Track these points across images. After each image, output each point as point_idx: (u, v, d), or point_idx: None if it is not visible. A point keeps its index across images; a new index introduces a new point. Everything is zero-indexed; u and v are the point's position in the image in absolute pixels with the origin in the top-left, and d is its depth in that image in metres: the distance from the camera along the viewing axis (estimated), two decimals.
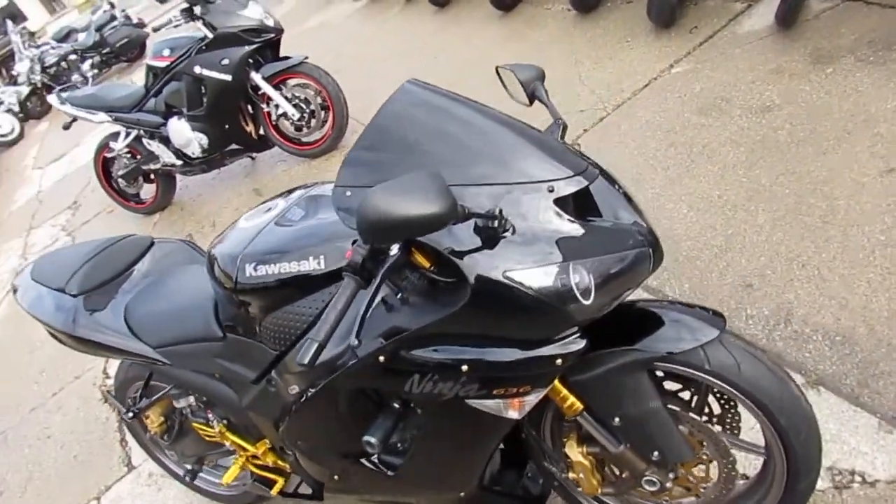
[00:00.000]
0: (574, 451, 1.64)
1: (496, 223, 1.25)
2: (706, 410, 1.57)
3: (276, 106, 4.66)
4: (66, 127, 5.44)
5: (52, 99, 5.16)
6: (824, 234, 2.42)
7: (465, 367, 1.39)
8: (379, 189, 1.09)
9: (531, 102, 1.67)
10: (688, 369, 1.46)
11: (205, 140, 4.74)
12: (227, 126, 4.76)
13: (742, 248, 2.53)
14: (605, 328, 1.40)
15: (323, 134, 4.82)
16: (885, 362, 1.97)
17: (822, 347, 2.09)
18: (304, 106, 4.67)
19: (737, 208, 2.70)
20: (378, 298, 1.40)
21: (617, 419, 1.52)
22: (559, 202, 1.32)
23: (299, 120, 4.70)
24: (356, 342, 1.18)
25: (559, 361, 1.37)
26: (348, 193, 1.38)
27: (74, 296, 2.12)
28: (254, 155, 5.20)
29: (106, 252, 2.25)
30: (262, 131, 4.89)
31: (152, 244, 2.33)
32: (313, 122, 4.75)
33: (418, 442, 1.62)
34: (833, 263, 2.31)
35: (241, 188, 5.12)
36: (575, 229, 1.32)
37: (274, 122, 4.80)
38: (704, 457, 1.58)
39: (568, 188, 1.32)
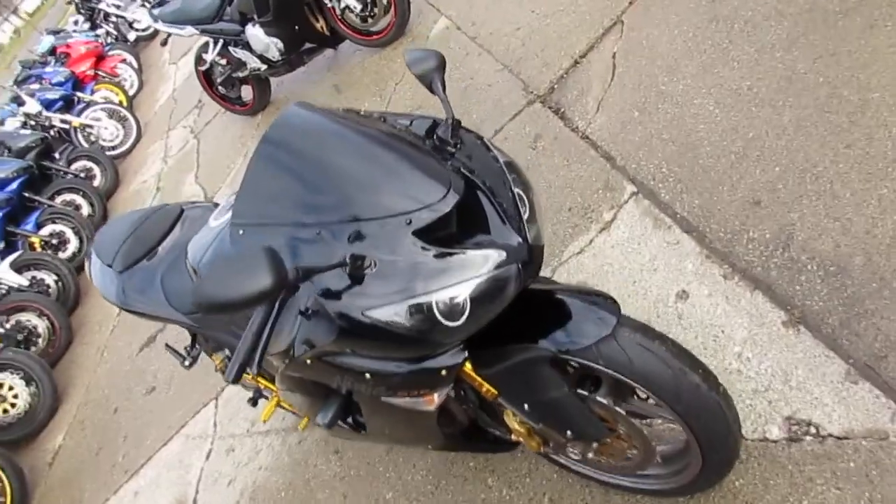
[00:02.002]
0: (510, 420, 1.77)
1: (358, 263, 1.34)
2: (612, 392, 1.62)
3: (339, 0, 4.65)
4: (164, 43, 5.80)
5: (145, 18, 5.48)
6: (848, 137, 2.15)
7: (367, 375, 1.54)
8: (209, 275, 1.21)
9: (431, 91, 1.64)
10: (585, 362, 1.51)
11: (280, 43, 4.88)
12: (296, 27, 4.84)
13: (759, 156, 2.32)
14: (510, 320, 1.48)
15: (388, 22, 4.77)
16: (872, 300, 1.84)
17: (815, 279, 1.96)
18: None
19: (763, 104, 2.44)
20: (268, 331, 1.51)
21: (526, 405, 1.62)
22: (431, 226, 1.37)
23: (363, 10, 4.66)
24: (255, 370, 1.37)
25: (443, 372, 1.49)
26: (241, 232, 1.52)
27: (120, 272, 2.47)
28: (333, 49, 5.27)
29: (143, 226, 2.56)
30: (331, 26, 4.92)
31: (182, 212, 2.60)
32: (376, 10, 4.70)
33: (367, 418, 1.84)
34: (848, 176, 2.08)
35: (325, 84, 5.26)
36: (435, 259, 1.37)
37: (340, 16, 4.80)
38: (621, 432, 1.65)
39: (426, 218, 1.36)
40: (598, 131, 2.93)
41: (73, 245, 6.39)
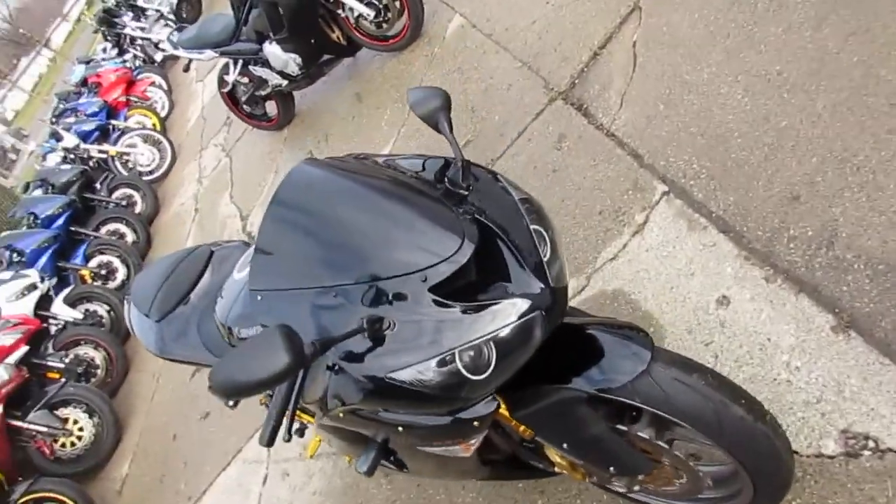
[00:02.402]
0: (552, 453, 1.73)
1: (376, 326, 1.32)
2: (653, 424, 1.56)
3: (351, 9, 4.60)
4: (186, 69, 5.85)
5: (166, 45, 5.54)
6: (889, 121, 2.03)
7: (400, 429, 1.52)
8: (224, 361, 1.20)
9: (438, 131, 1.60)
10: (621, 399, 1.46)
11: (298, 58, 4.87)
12: (313, 40, 4.82)
13: (794, 147, 2.21)
14: (543, 359, 1.44)
15: (403, 25, 4.71)
16: None
17: (862, 279, 1.86)
18: (376, 2, 4.55)
19: (795, 90, 2.31)
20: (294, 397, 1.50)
21: (565, 444, 1.57)
22: (450, 278, 1.33)
23: (376, 17, 4.61)
24: (287, 436, 1.37)
25: (476, 423, 1.46)
26: (259, 298, 1.51)
27: (157, 321, 2.49)
28: (352, 57, 5.25)
29: (176, 272, 2.58)
30: (347, 36, 4.88)
31: (211, 254, 2.61)
32: (389, 15, 4.64)
33: (407, 461, 1.82)
34: (891, 165, 1.96)
35: (346, 93, 5.24)
36: (455, 315, 1.33)
37: (355, 25, 4.76)
38: (666, 462, 1.60)
39: (443, 273, 1.33)
40: (624, 127, 2.83)
41: (121, 274, 6.56)
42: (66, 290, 5.89)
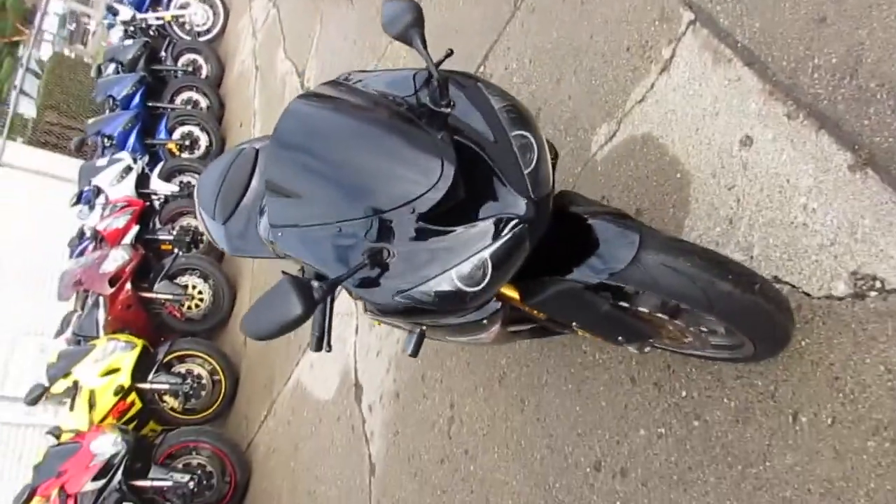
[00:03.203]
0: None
1: (377, 257, 1.48)
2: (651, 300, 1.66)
3: None
4: None
5: None
6: None
7: (423, 327, 1.72)
8: (249, 315, 1.41)
9: (410, 44, 1.60)
10: (617, 284, 1.57)
11: None
12: None
13: None
14: (547, 249, 1.57)
15: None
16: None
17: (885, 110, 1.78)
18: None
19: None
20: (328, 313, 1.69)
21: (575, 323, 1.73)
22: (433, 206, 1.45)
23: None
24: (327, 348, 1.63)
25: (485, 321, 1.63)
26: (280, 234, 1.68)
27: (223, 224, 2.72)
28: None
29: (229, 175, 2.76)
30: None
31: (257, 153, 2.76)
32: None
33: (446, 342, 2.04)
34: None
35: None
36: (445, 240, 1.46)
37: None
38: (671, 328, 1.72)
39: (429, 201, 1.44)
40: None
41: (203, 141, 6.91)
42: (159, 166, 6.33)
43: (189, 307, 5.59)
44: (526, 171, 1.49)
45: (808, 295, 1.81)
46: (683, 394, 2.06)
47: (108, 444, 4.41)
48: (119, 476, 4.34)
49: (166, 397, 5.10)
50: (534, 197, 1.45)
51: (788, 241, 1.90)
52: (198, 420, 5.26)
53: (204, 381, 5.17)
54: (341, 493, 3.68)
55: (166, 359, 5.07)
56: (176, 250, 5.79)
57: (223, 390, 5.23)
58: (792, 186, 1.93)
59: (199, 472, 4.64)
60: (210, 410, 5.25)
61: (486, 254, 1.43)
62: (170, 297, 5.45)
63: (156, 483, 4.46)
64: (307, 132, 1.61)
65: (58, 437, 4.66)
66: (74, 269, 5.47)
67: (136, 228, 5.77)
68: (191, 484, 4.56)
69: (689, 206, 2.20)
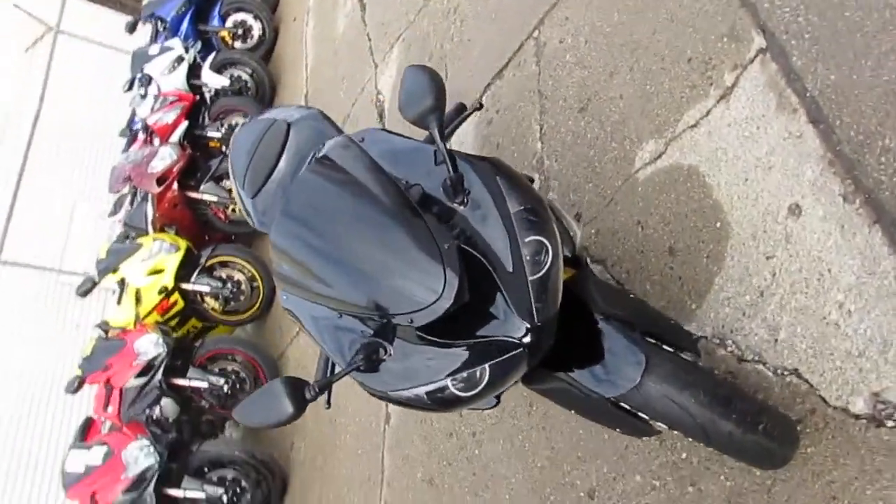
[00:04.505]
0: None
1: (373, 356, 1.48)
2: None
3: None
4: None
5: None
6: None
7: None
8: (242, 408, 1.46)
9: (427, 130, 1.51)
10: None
11: None
12: None
13: None
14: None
15: None
16: None
17: None
18: None
19: None
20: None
21: (573, 411, 1.72)
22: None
23: None
24: (327, 406, 1.68)
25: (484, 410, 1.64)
26: (285, 297, 1.69)
27: (252, 198, 2.70)
28: None
29: (259, 148, 2.69)
30: None
31: (289, 128, 2.67)
32: None
33: None
34: None
35: None
36: (441, 352, 1.45)
37: None
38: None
39: (427, 317, 1.42)
40: None
41: (256, 30, 6.72)
42: (211, 57, 6.21)
43: (234, 210, 5.68)
44: (532, 278, 1.43)
45: (824, 401, 1.74)
46: (684, 455, 2.06)
47: (150, 345, 4.68)
48: (159, 375, 4.64)
49: (207, 298, 5.32)
50: (537, 321, 1.40)
51: (817, 336, 1.80)
52: (237, 321, 5.52)
53: (243, 288, 5.35)
54: (359, 429, 3.88)
55: (208, 262, 5.24)
56: (224, 149, 5.81)
57: (261, 296, 5.42)
58: (832, 278, 1.80)
59: (233, 377, 4.93)
60: (248, 313, 5.48)
61: (486, 365, 1.42)
62: (215, 199, 5.54)
63: (193, 383, 4.77)
64: (315, 209, 1.58)
65: (106, 332, 4.97)
66: (124, 164, 5.57)
67: (185, 124, 5.78)
68: (225, 387, 4.86)
69: (723, 262, 2.08)
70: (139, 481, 4.15)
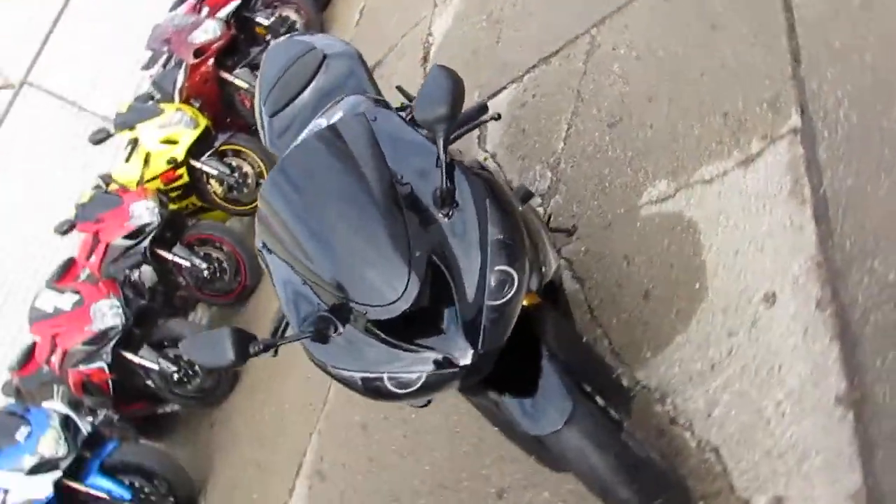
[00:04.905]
0: None
1: (327, 327, 1.53)
2: None
3: None
4: None
5: None
6: None
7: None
8: (189, 342, 1.53)
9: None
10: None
11: None
12: None
13: None
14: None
15: None
16: None
17: None
18: None
19: None
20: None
21: (496, 429, 1.78)
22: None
23: None
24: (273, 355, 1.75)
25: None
26: (260, 244, 1.74)
27: (270, 116, 2.70)
28: None
29: (291, 69, 2.68)
30: None
31: (324, 59, 2.65)
32: None
33: None
34: None
35: None
36: (386, 348, 1.50)
37: None
38: None
39: (379, 315, 1.47)
40: (804, 6, 2.23)
41: None
42: None
43: None
44: (490, 303, 1.46)
45: (732, 488, 1.80)
46: None
47: (145, 210, 4.74)
48: (146, 242, 4.72)
49: (213, 181, 5.36)
50: (481, 349, 1.44)
51: (748, 425, 1.84)
52: (235, 211, 5.57)
53: (249, 181, 5.37)
54: None
55: (222, 147, 5.24)
56: (269, 37, 5.73)
57: None
58: (780, 376, 1.83)
59: (215, 264, 5.02)
60: (248, 206, 5.52)
61: (423, 373, 1.47)
62: (246, 86, 5.49)
63: (177, 259, 4.85)
64: (310, 176, 1.61)
65: (107, 185, 5.03)
66: (167, 25, 5.51)
67: (237, 2, 5.68)
68: (206, 272, 4.95)
69: (689, 323, 2.11)
70: (100, 337, 4.28)
